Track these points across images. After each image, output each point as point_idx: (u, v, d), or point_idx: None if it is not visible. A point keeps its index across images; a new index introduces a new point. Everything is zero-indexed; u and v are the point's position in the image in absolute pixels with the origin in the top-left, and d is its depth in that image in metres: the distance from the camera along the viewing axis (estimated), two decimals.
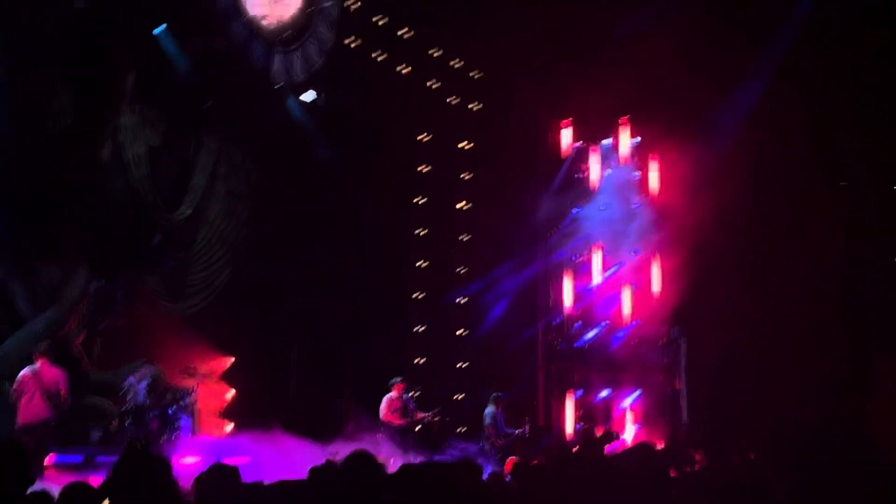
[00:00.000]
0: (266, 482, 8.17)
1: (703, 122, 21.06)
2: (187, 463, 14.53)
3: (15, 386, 14.06)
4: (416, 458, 16.47)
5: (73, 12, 16.16)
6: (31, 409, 13.93)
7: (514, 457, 15.29)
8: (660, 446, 19.68)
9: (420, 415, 18.61)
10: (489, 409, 19.13)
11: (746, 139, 21.18)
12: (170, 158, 19.02)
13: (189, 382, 17.32)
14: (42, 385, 13.98)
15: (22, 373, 14.14)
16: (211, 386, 17.28)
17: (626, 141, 22.38)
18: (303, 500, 7.04)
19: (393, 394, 18.24)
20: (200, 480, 7.20)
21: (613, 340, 22.25)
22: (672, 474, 7.28)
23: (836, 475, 7.06)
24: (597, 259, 22.47)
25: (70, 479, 7.24)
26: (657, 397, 22.19)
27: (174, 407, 16.79)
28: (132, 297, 18.31)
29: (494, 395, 19.36)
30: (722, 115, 21.12)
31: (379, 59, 20.70)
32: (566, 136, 22.68)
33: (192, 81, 18.40)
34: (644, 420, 21.63)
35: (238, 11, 17.15)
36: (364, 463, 5.53)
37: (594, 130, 22.62)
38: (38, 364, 14.15)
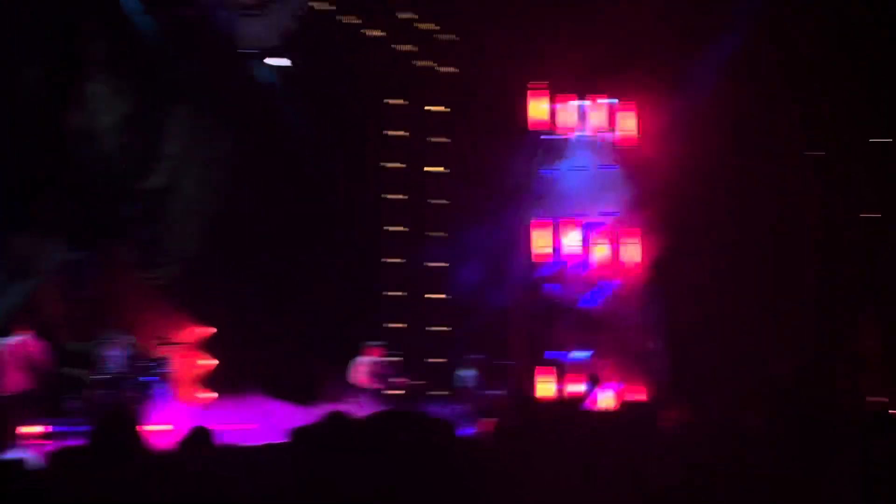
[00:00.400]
0: (244, 445, 8.22)
1: (679, 76, 20.92)
2: (163, 430, 14.53)
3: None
4: None
5: None
6: (8, 381, 13.86)
7: (490, 419, 15.39)
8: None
9: (395, 380, 18.68)
10: (466, 372, 19.19)
11: (725, 92, 21.05)
12: (141, 127, 18.88)
13: (165, 352, 17.29)
14: (21, 357, 13.91)
15: None
16: (187, 355, 17.25)
17: (599, 100, 22.39)
18: (281, 461, 7.07)
19: (367, 357, 18.27)
20: (180, 444, 7.23)
21: (590, 301, 22.29)
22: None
23: (813, 426, 7.12)
24: (571, 220, 22.50)
25: (49, 448, 7.27)
26: (636, 356, 22.25)
27: (150, 376, 16.79)
28: (107, 267, 18.24)
29: (471, 357, 19.40)
30: (699, 68, 20.98)
31: (349, 22, 20.55)
32: (539, 97, 22.65)
33: (161, 48, 18.28)
34: (623, 380, 21.68)
35: None
36: (340, 421, 5.54)
37: (567, 90, 22.57)
38: (16, 336, 14.03)
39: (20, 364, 13.88)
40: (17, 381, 13.89)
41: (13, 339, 14.03)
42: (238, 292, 19.73)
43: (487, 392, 19.31)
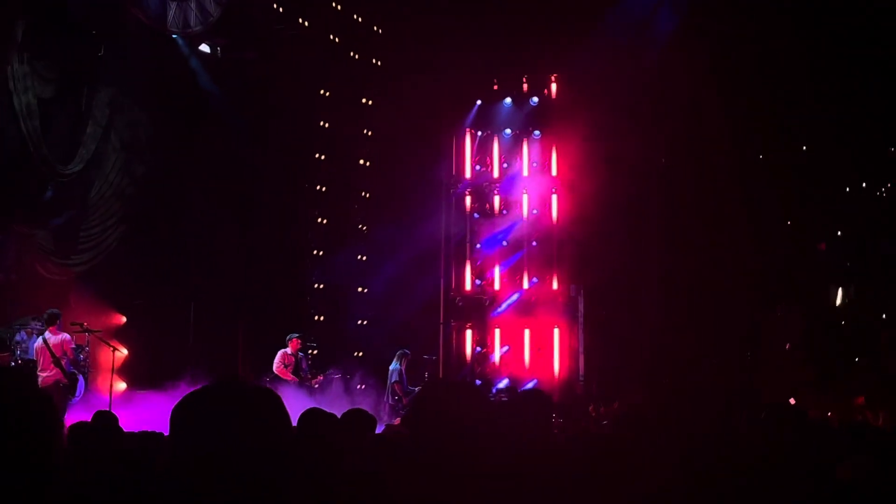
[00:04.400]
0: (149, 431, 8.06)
1: (606, 74, 20.92)
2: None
3: (33, 355, 15.32)
4: None
5: None
6: (45, 375, 15.07)
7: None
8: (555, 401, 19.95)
9: (312, 380, 18.56)
10: (394, 366, 19.10)
11: (653, 92, 21.12)
12: (62, 110, 18.46)
13: (80, 339, 16.96)
14: (51, 351, 15.09)
15: (36, 343, 15.34)
16: (103, 344, 16.94)
17: (526, 99, 22.53)
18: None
19: (287, 349, 18.12)
20: (79, 427, 7.13)
21: (513, 298, 22.37)
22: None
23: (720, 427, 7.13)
24: (497, 216, 22.59)
25: None
26: (555, 353, 22.37)
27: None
28: (22, 252, 17.84)
29: (400, 351, 19.32)
30: (625, 67, 20.96)
31: (279, 10, 20.32)
32: (469, 91, 22.75)
33: (84, 30, 17.94)
34: (541, 376, 21.80)
35: None
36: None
37: (497, 85, 22.72)
38: (46, 333, 15.28)
39: (51, 358, 15.11)
40: (52, 374, 15.15)
41: (46, 336, 15.19)
42: (157, 282, 19.43)
43: (413, 388, 19.23)
